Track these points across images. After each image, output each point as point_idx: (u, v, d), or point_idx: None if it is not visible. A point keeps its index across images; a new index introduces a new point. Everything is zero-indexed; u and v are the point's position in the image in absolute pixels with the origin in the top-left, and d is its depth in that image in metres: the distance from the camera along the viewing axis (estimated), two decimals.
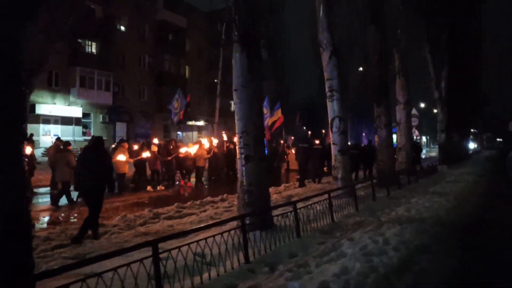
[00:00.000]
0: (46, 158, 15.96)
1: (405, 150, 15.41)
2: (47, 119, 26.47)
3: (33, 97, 25.37)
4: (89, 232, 6.34)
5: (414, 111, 27.35)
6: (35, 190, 12.17)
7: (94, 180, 6.34)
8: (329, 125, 9.90)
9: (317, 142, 16.19)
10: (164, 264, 3.72)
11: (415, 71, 26.76)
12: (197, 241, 4.34)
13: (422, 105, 54.80)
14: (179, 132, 37.33)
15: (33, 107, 25.15)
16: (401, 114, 15.52)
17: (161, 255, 3.78)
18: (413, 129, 28.35)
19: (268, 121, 22.14)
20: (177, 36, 36.38)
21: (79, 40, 28.20)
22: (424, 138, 77.49)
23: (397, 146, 16.11)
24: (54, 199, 10.10)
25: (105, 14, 29.58)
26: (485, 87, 40.53)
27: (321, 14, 9.74)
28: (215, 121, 29.39)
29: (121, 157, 12.07)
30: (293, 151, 18.84)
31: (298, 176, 14.08)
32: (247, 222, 5.82)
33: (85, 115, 29.13)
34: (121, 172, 12.18)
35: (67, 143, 11.18)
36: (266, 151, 6.65)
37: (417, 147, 25.16)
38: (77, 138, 27.48)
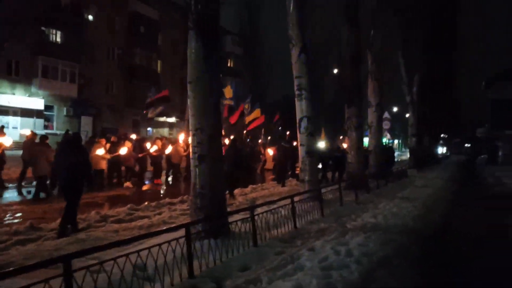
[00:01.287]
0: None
1: (375, 153, 15.19)
2: (5, 110, 24.86)
3: None
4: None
5: (386, 115, 27.44)
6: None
7: (72, 175, 6.37)
8: (297, 125, 9.42)
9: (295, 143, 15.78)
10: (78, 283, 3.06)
11: (389, 74, 26.98)
12: (138, 251, 3.73)
13: (395, 109, 55.68)
14: (149, 128, 36.22)
15: None
16: (372, 117, 15.29)
17: (92, 268, 3.21)
18: (385, 132, 28.56)
19: (245, 119, 21.78)
20: (149, 29, 35.17)
21: (43, 28, 26.69)
22: (396, 142, 79.02)
23: (368, 149, 15.92)
24: (35, 193, 9.96)
25: (72, 2, 28.15)
26: (456, 93, 41.40)
27: (291, 8, 9.24)
28: (186, 118, 28.45)
29: (100, 152, 11.54)
30: (270, 151, 18.39)
31: (274, 176, 14.16)
32: (199, 229, 5.25)
33: (48, 107, 27.61)
34: (98, 168, 11.64)
35: (45, 137, 10.85)
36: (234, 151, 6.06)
37: (390, 150, 25.28)
38: (38, 131, 25.91)
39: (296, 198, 7.79)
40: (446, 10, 24.89)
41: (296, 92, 9.37)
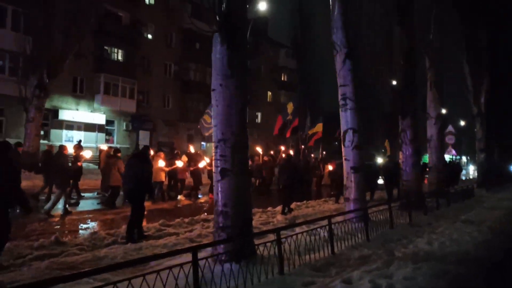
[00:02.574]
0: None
1: (436, 170, 13.81)
2: (70, 125, 26.56)
3: (56, 103, 25.62)
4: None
5: (450, 128, 25.38)
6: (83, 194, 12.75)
7: (135, 186, 6.89)
8: (341, 138, 8.67)
9: None
10: None
11: (453, 82, 24.95)
12: (129, 279, 3.29)
13: (462, 123, 51.71)
14: (203, 143, 36.84)
15: (56, 113, 25.39)
16: (432, 130, 13.99)
17: None
18: (449, 148, 26.33)
19: (308, 132, 21.50)
20: (204, 44, 36.05)
21: (105, 47, 28.37)
22: (464, 158, 73.50)
23: (428, 166, 14.56)
24: (106, 202, 10.94)
25: (132, 21, 29.71)
26: None
27: (335, 11, 8.61)
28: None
29: (161, 164, 12.27)
30: (329, 167, 17.77)
31: (333, 192, 14.42)
32: (220, 251, 4.76)
33: (109, 122, 29.10)
34: (158, 180, 12.19)
35: (117, 150, 12.19)
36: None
37: (456, 167, 23.19)
38: (100, 145, 27.42)
39: (339, 218, 7.09)
40: None
41: (341, 102, 8.64)
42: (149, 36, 31.67)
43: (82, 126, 27.12)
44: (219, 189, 4.99)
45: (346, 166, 8.47)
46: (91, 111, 27.45)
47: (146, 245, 5.97)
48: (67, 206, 9.44)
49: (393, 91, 11.04)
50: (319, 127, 21.34)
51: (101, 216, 9.54)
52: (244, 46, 5.26)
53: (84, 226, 8.34)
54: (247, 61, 5.27)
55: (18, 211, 7.06)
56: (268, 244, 4.90)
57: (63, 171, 9.53)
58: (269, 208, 10.69)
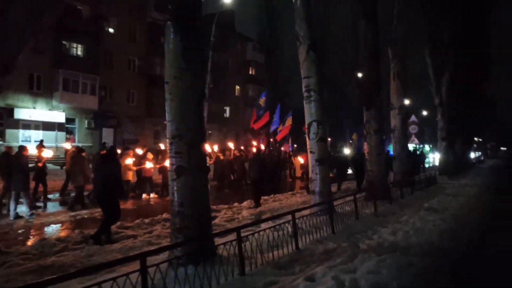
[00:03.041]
0: None
1: (400, 160, 14.02)
2: (27, 124, 25.22)
3: (12, 101, 24.22)
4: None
5: (413, 118, 26.05)
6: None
7: (105, 188, 6.73)
8: (306, 130, 8.54)
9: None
10: None
11: (415, 72, 25.53)
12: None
13: (425, 112, 53.34)
14: None
15: (11, 112, 24.04)
16: (395, 120, 14.15)
17: None
18: (413, 137, 27.01)
19: (280, 130, 21.44)
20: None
21: (64, 42, 27.06)
22: (427, 147, 76.13)
23: (392, 155, 14.78)
24: (71, 204, 10.37)
25: (93, 14, 28.48)
26: (490, 92, 38.93)
27: (298, 2, 8.43)
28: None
29: (129, 161, 12.02)
30: (300, 159, 17.87)
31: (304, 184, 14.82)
32: (177, 254, 4.49)
33: (69, 120, 27.88)
34: (125, 179, 11.70)
35: (81, 149, 11.74)
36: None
37: (419, 155, 23.75)
38: (60, 144, 26.19)
39: (305, 212, 6.96)
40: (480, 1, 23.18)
41: (305, 94, 8.50)
42: (111, 30, 30.49)
43: (40, 125, 25.82)
44: (175, 188, 4.70)
45: (311, 159, 8.36)
46: (50, 109, 26.18)
47: (99, 251, 5.58)
48: (28, 210, 9.19)
49: (357, 83, 11.00)
50: (289, 121, 21.38)
51: (60, 219, 9.05)
52: (200, 37, 4.96)
53: (38, 231, 7.80)
54: (203, 53, 4.96)
55: None
56: (229, 244, 4.68)
57: (23, 172, 9.20)
58: (235, 204, 10.48)
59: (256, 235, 5.16)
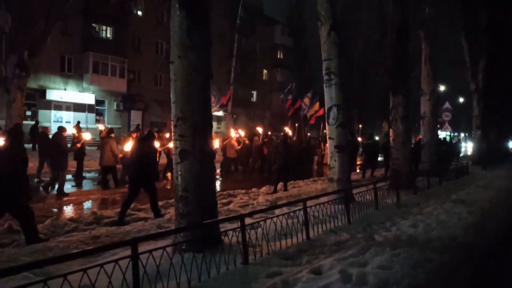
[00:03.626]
0: None
1: (429, 148, 13.39)
2: (59, 105, 26.00)
3: (44, 82, 24.97)
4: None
5: (447, 105, 24.85)
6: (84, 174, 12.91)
7: (142, 168, 6.83)
8: (326, 115, 8.19)
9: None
10: None
11: (453, 58, 24.18)
12: (64, 275, 2.91)
13: (461, 99, 50.92)
14: None
15: (43, 93, 24.79)
16: (425, 106, 13.48)
17: None
18: (446, 125, 25.86)
19: (306, 113, 21.00)
20: None
21: (93, 25, 27.48)
22: (462, 135, 73.23)
23: (421, 143, 14.13)
24: (102, 183, 10.95)
25: None
26: None
27: None
28: (229, 111, 27.96)
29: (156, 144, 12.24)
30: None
31: None
32: (180, 240, 4.37)
33: (99, 102, 28.52)
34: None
35: (111, 130, 11.96)
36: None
37: (451, 144, 22.71)
38: (90, 126, 26.88)
39: (323, 199, 6.70)
40: None
41: (325, 77, 8.12)
42: (139, 13, 30.66)
43: (72, 106, 26.55)
44: (179, 172, 4.55)
45: (329, 145, 8.03)
46: (80, 91, 26.82)
47: (106, 232, 5.56)
48: (63, 188, 9.59)
49: (384, 67, 10.45)
50: (316, 106, 20.87)
51: (88, 198, 9.51)
52: (206, 14, 4.71)
53: (59, 210, 7.98)
54: (209, 32, 4.71)
55: None
56: (237, 231, 4.50)
57: (63, 153, 9.60)
58: (253, 189, 10.31)
59: (267, 222, 4.96)
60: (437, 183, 11.36)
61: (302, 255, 4.75)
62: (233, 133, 16.75)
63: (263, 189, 10.45)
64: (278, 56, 46.33)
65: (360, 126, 41.78)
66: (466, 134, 77.37)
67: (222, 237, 4.68)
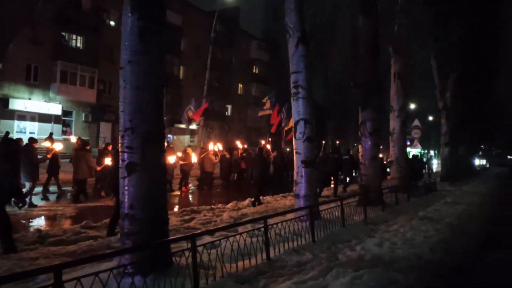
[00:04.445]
0: None
1: (398, 164, 13.40)
2: (23, 115, 24.88)
3: (7, 91, 23.87)
4: None
5: (416, 122, 25.31)
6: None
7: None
8: (293, 129, 7.98)
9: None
10: None
11: (424, 76, 24.77)
12: None
13: (431, 118, 52.38)
14: (169, 135, 35.61)
15: (6, 102, 23.68)
16: (394, 123, 13.53)
17: None
18: (415, 142, 26.32)
19: (284, 128, 20.72)
20: (171, 34, 34.74)
21: (63, 33, 26.70)
22: (432, 153, 75.30)
23: (390, 159, 14.17)
24: (73, 197, 10.65)
25: (93, 6, 28.10)
26: (498, 96, 37.84)
27: None
28: (201, 125, 27.57)
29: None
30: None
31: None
32: (124, 262, 3.96)
33: (67, 113, 27.53)
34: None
35: (86, 142, 12.07)
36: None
37: (419, 161, 23.06)
38: (56, 137, 25.81)
39: (289, 216, 6.43)
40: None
41: (292, 91, 7.93)
42: (112, 23, 30.06)
43: (36, 117, 25.45)
44: (125, 187, 4.16)
45: (296, 160, 7.79)
46: (46, 101, 25.80)
47: (47, 253, 5.05)
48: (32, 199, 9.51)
49: (354, 81, 10.42)
50: (291, 122, 20.70)
51: (64, 211, 9.26)
52: (161, 17, 4.42)
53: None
54: (163, 36, 4.41)
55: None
56: (187, 253, 4.13)
57: (33, 164, 9.47)
58: (219, 205, 9.93)
59: (227, 241, 4.63)
60: (405, 200, 11.32)
61: (260, 278, 4.42)
62: (211, 147, 16.57)
63: (229, 205, 10.09)
64: (254, 71, 46.47)
65: (338, 142, 42.22)
66: (436, 151, 79.75)
67: (174, 259, 4.31)
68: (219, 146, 17.13)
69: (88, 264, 3.90)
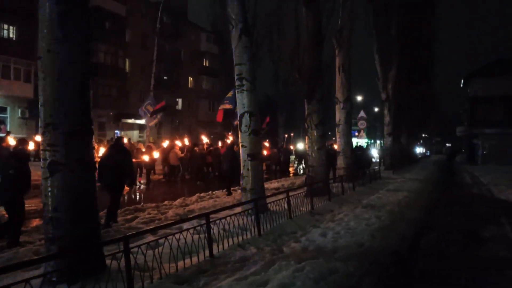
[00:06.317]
0: None
1: (344, 155, 13.76)
2: None
3: None
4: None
5: (362, 113, 26.23)
6: None
7: (116, 175, 7.20)
8: (238, 123, 7.85)
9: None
10: None
11: (370, 69, 25.73)
12: None
13: (376, 109, 54.66)
14: (117, 131, 34.19)
15: None
16: (340, 115, 13.87)
17: None
18: (361, 132, 27.28)
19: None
20: (115, 25, 33.20)
21: None
22: (378, 142, 78.82)
23: (336, 150, 14.53)
24: None
25: None
26: (434, 89, 40.42)
27: None
28: (158, 121, 26.73)
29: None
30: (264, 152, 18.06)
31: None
32: (48, 269, 3.63)
33: (1, 109, 25.46)
34: None
35: (23, 140, 10.78)
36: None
37: (364, 151, 23.93)
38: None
39: (237, 210, 6.32)
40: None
41: (236, 83, 7.81)
42: None
43: None
44: (48, 189, 3.80)
45: (242, 153, 7.68)
46: None
47: None
48: None
49: (298, 73, 10.47)
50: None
51: None
52: (84, 1, 4.06)
53: None
54: (87, 20, 4.06)
55: None
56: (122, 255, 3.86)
57: None
58: (166, 202, 9.60)
59: (166, 240, 4.42)
60: (351, 189, 11.65)
61: (201, 276, 4.27)
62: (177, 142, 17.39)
63: (177, 201, 9.80)
64: (204, 64, 45.72)
65: (292, 134, 42.82)
66: (382, 141, 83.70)
67: (110, 262, 4.03)
68: (185, 141, 17.99)
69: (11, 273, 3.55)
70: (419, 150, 53.96)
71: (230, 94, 21.55)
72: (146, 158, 14.06)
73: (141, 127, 36.84)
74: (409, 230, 7.28)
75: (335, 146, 15.23)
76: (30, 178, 5.92)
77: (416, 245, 6.44)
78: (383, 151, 25.56)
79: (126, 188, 10.64)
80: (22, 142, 6.56)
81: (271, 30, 15.05)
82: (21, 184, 5.59)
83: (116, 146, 7.76)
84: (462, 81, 42.58)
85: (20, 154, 5.87)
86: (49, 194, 3.81)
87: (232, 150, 11.77)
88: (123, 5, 33.59)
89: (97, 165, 8.89)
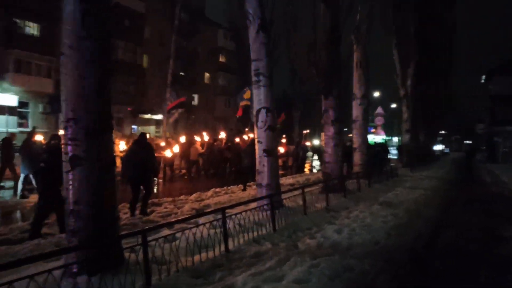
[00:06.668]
0: None
1: (360, 151, 13.65)
2: None
3: None
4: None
5: (380, 110, 25.94)
6: None
7: (141, 171, 7.61)
8: (255, 118, 7.88)
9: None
10: None
11: (385, 64, 25.46)
12: None
13: (394, 105, 53.82)
14: (134, 126, 34.70)
15: None
16: (357, 111, 13.75)
17: None
18: (379, 129, 26.94)
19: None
20: (134, 22, 33.60)
21: (17, 20, 25.16)
22: (396, 139, 77.54)
23: (353, 147, 14.40)
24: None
25: None
26: (454, 86, 39.66)
27: None
28: (165, 114, 27.07)
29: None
30: (281, 149, 18.74)
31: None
32: (69, 261, 3.75)
33: (23, 104, 26.11)
34: None
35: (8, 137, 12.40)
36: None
37: (383, 147, 23.68)
38: (11, 130, 24.46)
39: (253, 205, 6.38)
40: None
41: (254, 79, 7.82)
42: None
43: None
44: (70, 182, 3.92)
45: (258, 149, 7.72)
46: (0, 92, 24.34)
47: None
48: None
49: (316, 70, 10.42)
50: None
51: None
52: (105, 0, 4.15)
53: None
54: (108, 20, 4.15)
55: None
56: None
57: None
58: (182, 197, 9.74)
59: (183, 234, 4.50)
60: (367, 186, 11.55)
61: (216, 271, 4.32)
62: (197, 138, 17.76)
63: (193, 196, 9.92)
64: (221, 60, 45.84)
65: (308, 131, 42.58)
66: (399, 138, 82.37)
67: (129, 255, 4.13)
68: (204, 136, 18.27)
69: (33, 264, 3.69)
70: (438, 147, 52.99)
71: (247, 94, 21.71)
72: (167, 153, 14.29)
73: (157, 123, 37.29)
74: (426, 228, 7.19)
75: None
76: (62, 172, 6.11)
77: (433, 243, 6.36)
78: (400, 148, 25.14)
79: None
80: (56, 137, 6.83)
81: (288, 27, 14.91)
82: (53, 177, 5.66)
83: (140, 143, 7.99)
84: (484, 77, 41.55)
85: (54, 149, 5.98)
86: (70, 187, 3.93)
87: (253, 146, 11.68)
88: (142, 2, 33.96)
89: (120, 160, 9.20)
